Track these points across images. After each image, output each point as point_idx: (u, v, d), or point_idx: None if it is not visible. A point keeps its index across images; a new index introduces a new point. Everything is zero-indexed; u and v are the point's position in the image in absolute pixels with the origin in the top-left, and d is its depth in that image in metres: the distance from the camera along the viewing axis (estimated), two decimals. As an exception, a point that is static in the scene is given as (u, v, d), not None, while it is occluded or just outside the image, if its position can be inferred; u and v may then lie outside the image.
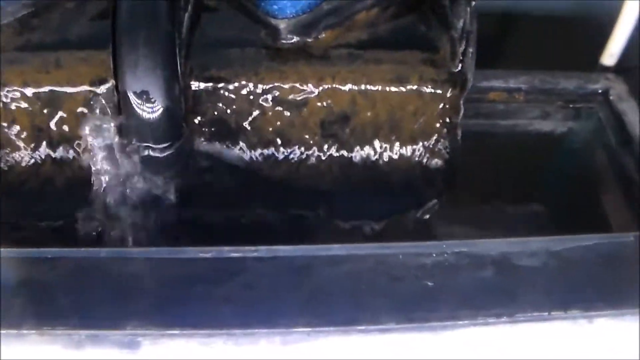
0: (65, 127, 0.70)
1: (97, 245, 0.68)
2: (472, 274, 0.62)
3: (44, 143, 0.70)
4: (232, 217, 0.70)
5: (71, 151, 0.71)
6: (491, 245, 0.64)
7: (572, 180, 0.84)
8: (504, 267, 0.63)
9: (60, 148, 0.71)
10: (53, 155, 0.71)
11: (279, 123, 0.70)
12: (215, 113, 0.69)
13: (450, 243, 0.63)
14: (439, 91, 0.70)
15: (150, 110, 0.62)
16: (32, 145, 0.70)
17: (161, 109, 0.62)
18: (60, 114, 0.69)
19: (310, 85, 0.69)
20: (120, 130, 0.65)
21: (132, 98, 0.62)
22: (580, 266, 0.63)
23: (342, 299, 0.60)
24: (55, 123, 0.70)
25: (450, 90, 0.70)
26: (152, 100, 0.62)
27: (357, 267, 0.62)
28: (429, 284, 0.62)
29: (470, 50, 0.68)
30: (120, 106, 0.64)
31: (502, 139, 0.80)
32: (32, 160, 0.71)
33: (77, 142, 0.71)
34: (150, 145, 0.63)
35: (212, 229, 0.70)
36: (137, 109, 0.62)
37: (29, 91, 0.68)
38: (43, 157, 0.71)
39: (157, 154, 0.64)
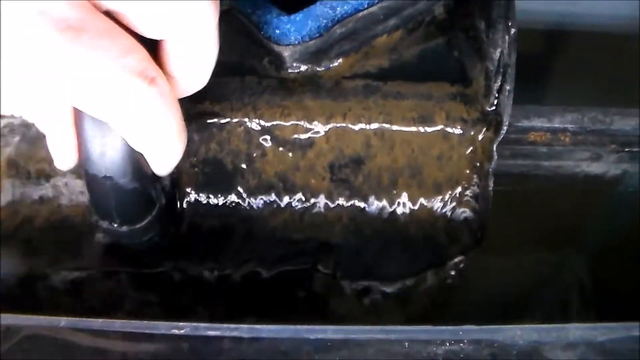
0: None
1: (62, 310, 0.54)
2: (493, 369, 0.47)
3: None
4: (223, 274, 0.55)
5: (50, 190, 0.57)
6: (518, 333, 0.47)
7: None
8: (534, 362, 0.47)
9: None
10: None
11: (281, 166, 0.55)
12: (208, 153, 0.55)
13: (468, 329, 0.47)
14: (468, 133, 0.54)
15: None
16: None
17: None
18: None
19: (317, 123, 0.54)
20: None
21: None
22: (629, 364, 0.47)
23: (331, 398, 0.46)
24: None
25: (482, 132, 0.54)
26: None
27: (354, 355, 0.47)
28: (440, 380, 0.46)
29: (508, 87, 0.52)
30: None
31: (543, 183, 0.63)
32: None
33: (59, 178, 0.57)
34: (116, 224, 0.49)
35: (199, 288, 0.56)
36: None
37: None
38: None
39: (125, 231, 0.50)
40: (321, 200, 0.56)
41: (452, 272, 0.57)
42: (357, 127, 0.54)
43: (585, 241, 0.67)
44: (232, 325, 0.48)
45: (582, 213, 0.66)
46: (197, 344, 0.47)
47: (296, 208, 0.56)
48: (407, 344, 0.47)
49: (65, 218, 0.56)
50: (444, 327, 0.47)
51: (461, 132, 0.54)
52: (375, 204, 0.56)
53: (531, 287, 0.64)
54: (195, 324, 0.48)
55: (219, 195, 0.55)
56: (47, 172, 0.55)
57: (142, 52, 0.41)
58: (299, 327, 0.47)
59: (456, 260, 0.56)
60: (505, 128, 0.53)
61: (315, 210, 0.56)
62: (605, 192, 0.64)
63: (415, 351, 0.47)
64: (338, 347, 0.47)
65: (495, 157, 0.54)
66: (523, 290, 0.64)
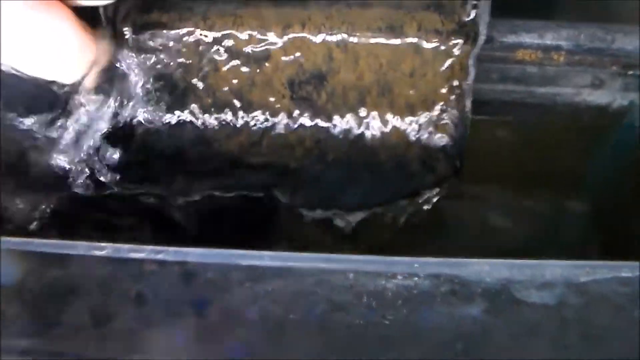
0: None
1: None
2: (451, 309, 0.35)
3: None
4: (170, 199, 0.45)
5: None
6: (486, 268, 0.36)
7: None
8: (501, 302, 0.35)
9: None
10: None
11: (236, 81, 0.44)
12: (158, 68, 0.44)
13: (424, 261, 0.36)
14: (443, 47, 0.42)
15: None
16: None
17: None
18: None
19: (272, 33, 0.43)
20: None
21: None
22: (615, 310, 0.35)
23: (258, 334, 0.35)
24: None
25: (459, 45, 0.42)
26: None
27: (289, 286, 0.36)
28: (387, 318, 0.35)
29: (486, -9, 0.40)
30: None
31: (538, 114, 0.50)
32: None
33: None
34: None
35: (144, 214, 0.46)
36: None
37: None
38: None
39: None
40: (281, 121, 0.45)
41: (426, 206, 0.45)
42: (317, 38, 0.43)
43: (587, 182, 0.54)
44: (157, 248, 0.37)
45: (583, 150, 0.53)
46: (118, 267, 0.38)
47: (253, 129, 0.46)
48: (351, 275, 0.36)
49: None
50: (396, 258, 0.36)
51: (435, 45, 0.42)
52: (340, 126, 0.45)
53: (520, 231, 0.52)
54: (116, 245, 0.38)
55: (170, 114, 0.45)
56: None
57: None
58: (230, 251, 0.37)
59: (431, 191, 0.45)
60: (482, 38, 0.41)
61: (275, 131, 0.46)
62: (610, 126, 0.51)
63: (360, 284, 0.36)
64: (271, 275, 0.36)
65: (473, 73, 0.42)
66: (511, 234, 0.52)
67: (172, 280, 0.36)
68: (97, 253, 0.38)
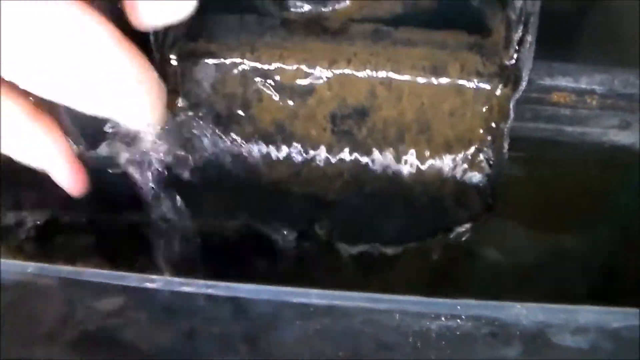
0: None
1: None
2: (491, 350, 0.37)
3: None
4: (210, 228, 0.47)
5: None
6: (524, 312, 0.38)
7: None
8: (536, 344, 0.37)
9: None
10: None
11: (279, 113, 0.46)
12: (201, 96, 0.46)
13: (466, 303, 0.38)
14: (485, 88, 0.44)
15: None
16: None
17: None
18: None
19: (318, 68, 0.45)
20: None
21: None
22: (647, 356, 0.37)
23: (308, 371, 0.37)
24: None
25: (499, 87, 0.44)
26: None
27: (337, 324, 0.38)
28: (431, 359, 0.37)
29: (529, 39, 0.42)
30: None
31: (564, 151, 0.52)
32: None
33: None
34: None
35: (181, 244, 0.47)
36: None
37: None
38: None
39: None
40: (321, 153, 0.47)
41: (459, 240, 0.47)
42: (362, 75, 0.45)
43: (609, 218, 0.56)
44: (208, 282, 0.39)
45: (606, 186, 0.55)
46: (169, 299, 0.39)
47: (294, 161, 0.47)
48: (397, 315, 0.38)
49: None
50: (440, 300, 0.38)
51: (477, 86, 0.44)
52: (379, 160, 0.47)
53: (547, 265, 0.55)
54: (168, 278, 0.40)
55: (211, 143, 0.47)
56: None
57: None
58: (280, 288, 0.39)
59: (464, 227, 0.47)
60: (524, 84, 0.43)
61: (315, 164, 0.47)
62: (633, 165, 0.53)
63: (406, 324, 0.38)
64: (321, 313, 0.38)
65: (512, 116, 0.44)
66: (538, 268, 0.54)
67: (223, 315, 0.38)
68: (149, 285, 0.39)
